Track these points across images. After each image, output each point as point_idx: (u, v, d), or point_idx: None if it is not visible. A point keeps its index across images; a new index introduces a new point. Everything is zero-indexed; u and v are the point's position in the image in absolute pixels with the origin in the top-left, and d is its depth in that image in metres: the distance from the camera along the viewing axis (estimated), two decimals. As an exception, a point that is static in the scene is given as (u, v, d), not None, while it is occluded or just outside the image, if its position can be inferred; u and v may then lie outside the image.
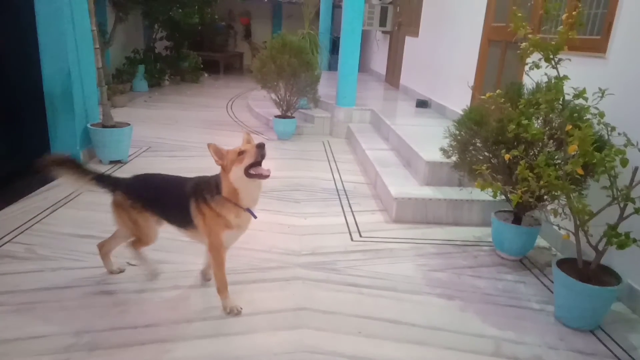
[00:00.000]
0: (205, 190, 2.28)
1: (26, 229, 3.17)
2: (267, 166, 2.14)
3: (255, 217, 2.30)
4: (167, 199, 2.43)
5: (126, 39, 9.23)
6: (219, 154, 2.19)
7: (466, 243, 3.40)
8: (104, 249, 2.66)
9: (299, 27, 7.10)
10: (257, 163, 2.13)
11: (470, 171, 3.19)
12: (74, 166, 2.52)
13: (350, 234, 3.43)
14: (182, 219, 2.38)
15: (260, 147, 2.12)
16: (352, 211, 3.85)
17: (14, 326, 2.21)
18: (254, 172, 2.13)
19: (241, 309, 2.42)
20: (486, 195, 3.14)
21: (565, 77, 2.46)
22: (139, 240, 2.54)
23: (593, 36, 3.19)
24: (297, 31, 6.88)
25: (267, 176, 2.13)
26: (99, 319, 2.31)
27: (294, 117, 6.17)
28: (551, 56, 2.45)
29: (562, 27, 2.40)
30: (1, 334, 2.16)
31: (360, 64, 6.42)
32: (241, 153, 2.14)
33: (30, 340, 2.12)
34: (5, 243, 2.97)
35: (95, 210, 3.53)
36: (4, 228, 3.15)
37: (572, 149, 2.25)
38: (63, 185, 3.97)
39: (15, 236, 3.06)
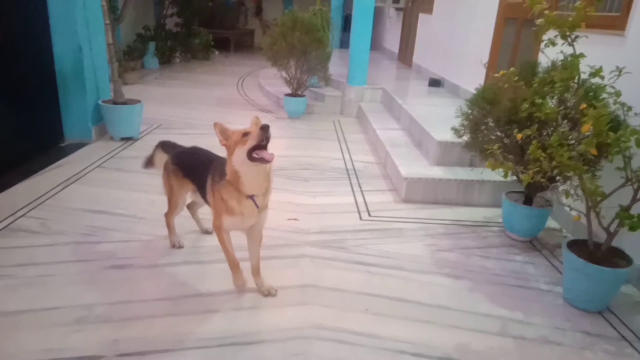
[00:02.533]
0: (219, 171, 2.23)
1: (40, 204, 3.22)
2: (276, 148, 2.07)
3: (257, 206, 2.17)
4: (199, 174, 2.43)
5: (137, 15, 9.18)
6: (224, 134, 2.11)
7: (476, 224, 3.39)
8: (191, 211, 2.96)
9: (311, 4, 6.97)
10: (262, 146, 1.98)
11: (482, 151, 3.15)
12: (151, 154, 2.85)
13: (359, 213, 3.43)
14: (204, 196, 2.41)
15: (264, 129, 1.97)
16: (361, 191, 3.85)
17: (27, 298, 2.27)
18: (256, 156, 1.99)
19: (246, 281, 2.41)
20: (497, 175, 3.11)
21: (582, 55, 2.40)
22: (169, 205, 2.70)
23: (612, 13, 3.09)
24: (308, 8, 6.78)
25: (269, 161, 1.99)
26: (111, 293, 2.36)
27: (304, 96, 6.13)
28: (567, 33, 2.38)
29: (579, 2, 2.33)
30: (14, 305, 2.21)
31: (372, 42, 6.32)
32: (245, 134, 2.02)
33: (43, 312, 2.18)
34: (20, 217, 3.02)
35: (106, 187, 3.58)
36: (18, 203, 3.21)
37: (586, 128, 2.21)
38: (74, 162, 4.05)
39: (29, 211, 3.12)
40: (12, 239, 2.78)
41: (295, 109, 6.06)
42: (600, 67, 2.37)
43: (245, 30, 13.65)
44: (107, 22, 4.42)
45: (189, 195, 2.72)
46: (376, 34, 9.68)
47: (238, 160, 2.05)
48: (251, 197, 2.13)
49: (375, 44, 9.85)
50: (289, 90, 6.14)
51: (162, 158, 2.74)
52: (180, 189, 2.62)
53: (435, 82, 6.38)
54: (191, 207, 2.94)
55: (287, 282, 2.53)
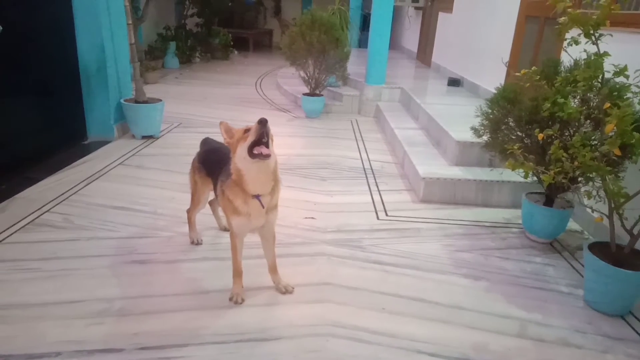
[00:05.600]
0: (226, 170, 2.20)
1: (63, 200, 3.30)
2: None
3: (263, 206, 2.11)
4: (216, 173, 2.41)
5: (158, 15, 9.31)
6: (229, 133, 2.08)
7: (495, 225, 3.35)
8: (212, 208, 3.01)
9: (330, 3, 6.98)
10: (262, 143, 1.93)
11: (502, 151, 3.12)
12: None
13: (376, 213, 3.42)
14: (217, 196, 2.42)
15: (262, 123, 1.91)
16: (378, 190, 3.84)
17: (50, 291, 2.33)
18: (256, 152, 1.94)
19: (242, 300, 2.33)
20: (517, 176, 3.07)
21: (606, 54, 2.35)
22: (191, 201, 2.75)
23: (638, 11, 3.02)
24: (327, 7, 6.78)
25: (266, 155, 1.93)
26: (131, 287, 2.40)
27: (322, 95, 6.13)
28: (591, 32, 2.33)
29: (604, 0, 2.28)
30: (38, 298, 2.27)
31: (391, 41, 6.30)
32: (247, 131, 1.98)
33: (65, 305, 2.23)
34: (44, 212, 3.10)
35: (128, 184, 3.65)
36: (43, 198, 3.29)
37: (610, 128, 2.16)
38: (97, 159, 4.13)
39: (54, 206, 3.19)
40: (36, 234, 2.85)
41: (313, 108, 6.08)
42: (625, 66, 2.32)
43: (264, 30, 13.72)
44: (130, 22, 4.50)
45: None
46: (395, 33, 9.64)
47: (240, 158, 2.01)
48: (257, 196, 2.08)
49: (394, 43, 9.81)
50: (306, 90, 6.15)
51: None
52: (204, 186, 2.63)
53: (454, 82, 6.32)
54: (213, 203, 2.97)
55: (303, 279, 2.55)
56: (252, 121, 1.98)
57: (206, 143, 2.78)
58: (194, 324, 2.16)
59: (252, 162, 1.98)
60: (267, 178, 2.08)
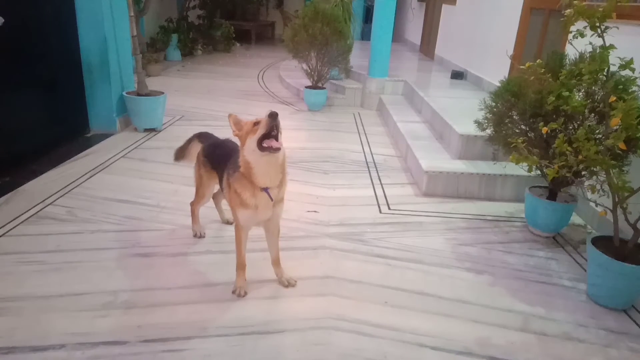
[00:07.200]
0: (233, 163, 2.20)
1: (66, 193, 3.30)
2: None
3: (272, 199, 2.12)
4: (222, 167, 2.41)
5: (160, 7, 9.26)
6: (238, 125, 2.09)
7: (498, 218, 3.35)
8: (215, 201, 3.01)
9: (332, -5, 6.94)
10: (272, 135, 1.94)
11: (505, 145, 3.10)
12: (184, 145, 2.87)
13: (379, 206, 3.42)
14: (223, 190, 2.41)
15: (272, 116, 1.91)
16: (381, 184, 3.83)
17: (55, 283, 2.34)
18: (266, 145, 1.94)
19: (245, 293, 2.33)
20: (520, 170, 3.06)
21: (612, 47, 2.33)
22: (196, 195, 2.75)
23: (645, 3, 3.00)
24: (330, -1, 6.74)
25: (276, 149, 1.94)
26: (135, 280, 2.41)
27: (324, 88, 6.11)
28: (597, 24, 2.31)
29: (611, -8, 2.26)
30: (43, 290, 2.28)
31: (394, 34, 6.26)
32: (256, 124, 1.98)
33: (70, 297, 2.24)
34: (48, 205, 3.11)
35: (131, 177, 3.65)
36: (46, 191, 3.30)
37: (615, 122, 2.15)
38: (99, 152, 4.13)
39: (57, 199, 3.20)
40: (40, 226, 2.86)
41: (315, 101, 6.06)
42: (631, 59, 2.30)
43: (266, 22, 13.65)
44: (132, 14, 4.48)
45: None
46: (398, 25, 9.58)
47: (249, 150, 2.01)
48: (265, 189, 2.09)
49: (397, 36, 9.75)
50: (309, 83, 6.13)
51: (197, 149, 2.75)
52: (209, 180, 2.63)
53: (457, 75, 6.29)
54: (216, 196, 2.97)
55: (306, 273, 2.55)
56: (255, 114, 1.98)
57: (202, 137, 2.76)
58: (198, 317, 2.17)
59: (262, 155, 1.98)
60: (275, 171, 2.09)
